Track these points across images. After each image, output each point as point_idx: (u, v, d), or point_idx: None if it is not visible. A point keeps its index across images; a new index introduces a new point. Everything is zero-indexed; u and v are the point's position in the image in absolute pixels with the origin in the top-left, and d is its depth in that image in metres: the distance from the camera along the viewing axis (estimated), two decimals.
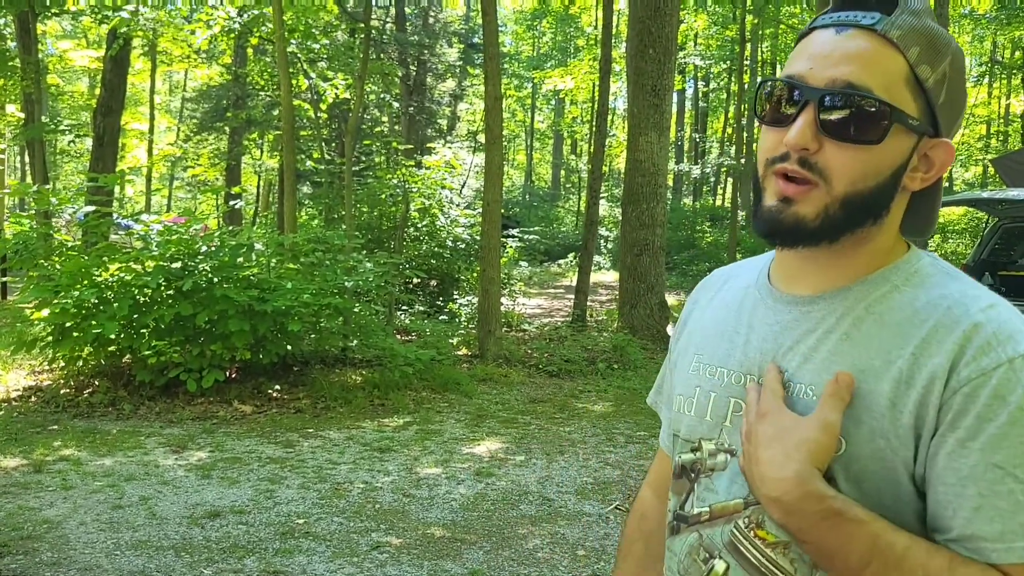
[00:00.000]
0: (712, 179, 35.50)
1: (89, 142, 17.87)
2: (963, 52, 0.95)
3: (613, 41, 12.78)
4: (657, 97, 10.81)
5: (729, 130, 32.80)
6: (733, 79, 30.65)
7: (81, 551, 3.99)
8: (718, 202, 35.98)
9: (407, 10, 23.95)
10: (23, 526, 4.27)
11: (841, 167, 0.89)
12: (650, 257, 10.90)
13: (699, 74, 34.17)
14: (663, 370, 1.26)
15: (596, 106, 13.08)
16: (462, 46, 26.01)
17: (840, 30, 0.91)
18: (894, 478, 0.87)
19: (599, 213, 13.31)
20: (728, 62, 30.18)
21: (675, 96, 29.61)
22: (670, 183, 25.13)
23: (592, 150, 13.82)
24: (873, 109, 0.88)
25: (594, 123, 14.03)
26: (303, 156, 17.33)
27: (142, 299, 6.96)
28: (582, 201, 26.92)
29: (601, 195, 13.47)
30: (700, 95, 36.20)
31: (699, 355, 1.08)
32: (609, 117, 27.17)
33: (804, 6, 26.86)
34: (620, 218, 12.23)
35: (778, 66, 35.16)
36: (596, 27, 27.72)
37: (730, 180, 33.30)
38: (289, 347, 7.43)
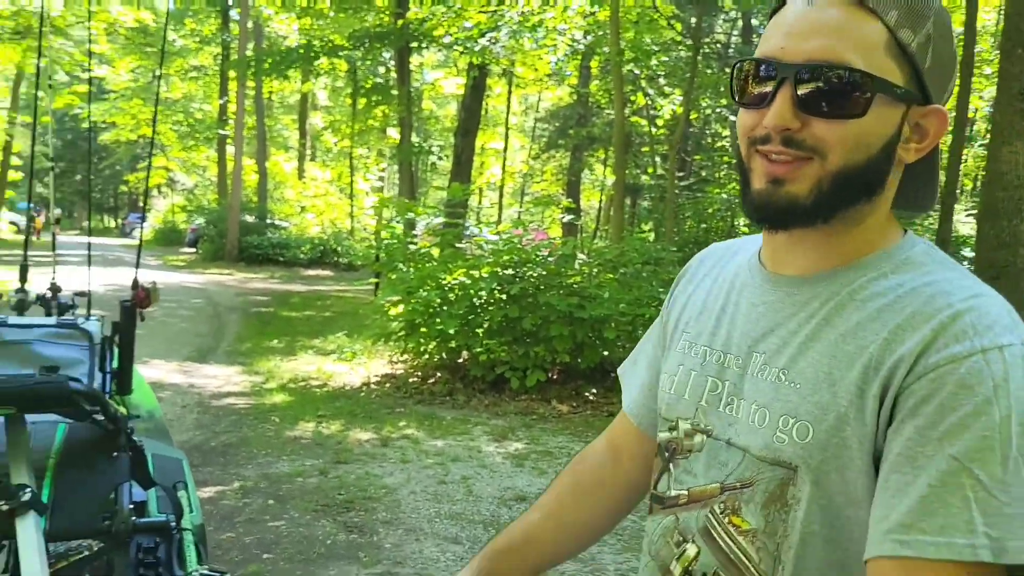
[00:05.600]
0: None
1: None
2: (947, 11, 0.87)
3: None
4: None
5: None
6: None
7: (409, 515, 4.60)
8: None
9: (754, 22, 23.57)
10: (367, 488, 5.00)
11: (832, 140, 0.84)
12: (1009, 281, 9.74)
13: None
14: (642, 342, 1.21)
15: (956, 114, 11.95)
16: None
17: (811, 0, 0.85)
18: (865, 469, 0.81)
19: (951, 230, 12.13)
20: None
21: None
22: None
23: (947, 162, 12.62)
24: (852, 81, 0.82)
25: (951, 132, 12.81)
26: (638, 172, 17.78)
27: (477, 302, 7.73)
28: (929, 218, 24.51)
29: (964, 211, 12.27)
30: None
31: (687, 332, 1.05)
32: (970, 125, 24.48)
33: None
34: (974, 236, 11.08)
35: None
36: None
37: None
38: (605, 353, 7.77)
